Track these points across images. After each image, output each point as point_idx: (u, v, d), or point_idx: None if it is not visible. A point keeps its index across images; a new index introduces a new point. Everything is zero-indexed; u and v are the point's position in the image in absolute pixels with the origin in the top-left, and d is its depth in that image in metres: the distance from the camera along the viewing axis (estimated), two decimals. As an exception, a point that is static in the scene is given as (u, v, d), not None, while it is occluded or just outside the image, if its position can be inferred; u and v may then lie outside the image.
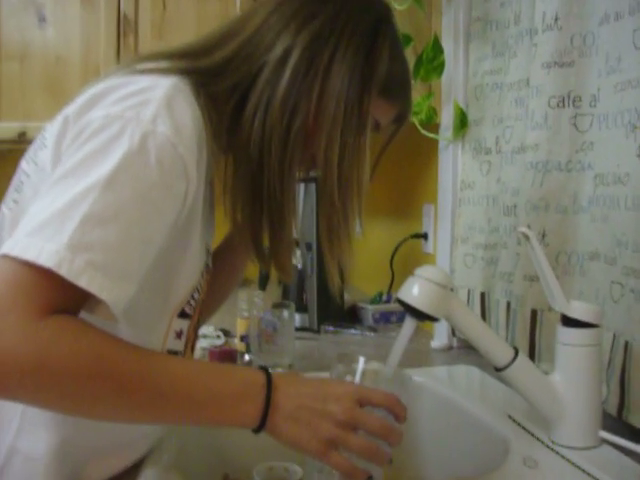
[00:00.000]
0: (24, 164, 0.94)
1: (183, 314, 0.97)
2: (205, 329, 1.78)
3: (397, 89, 1.05)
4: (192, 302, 0.98)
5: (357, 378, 0.92)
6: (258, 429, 0.82)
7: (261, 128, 0.93)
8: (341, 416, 0.82)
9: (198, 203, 0.90)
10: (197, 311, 1.01)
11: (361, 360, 0.93)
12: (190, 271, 0.95)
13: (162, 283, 0.91)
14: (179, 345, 0.99)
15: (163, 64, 0.92)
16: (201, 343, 1.70)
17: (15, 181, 0.94)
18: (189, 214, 0.88)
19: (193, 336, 1.05)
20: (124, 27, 1.99)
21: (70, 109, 0.87)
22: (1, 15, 2.05)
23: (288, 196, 0.96)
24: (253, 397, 0.81)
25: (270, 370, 0.85)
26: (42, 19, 2.03)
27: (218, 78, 0.94)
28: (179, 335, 0.99)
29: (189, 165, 0.82)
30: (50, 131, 0.89)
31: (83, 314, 0.78)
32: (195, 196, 0.87)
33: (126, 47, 1.93)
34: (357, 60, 0.95)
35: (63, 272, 0.71)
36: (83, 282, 0.72)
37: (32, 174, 0.90)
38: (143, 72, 0.89)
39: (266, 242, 1.02)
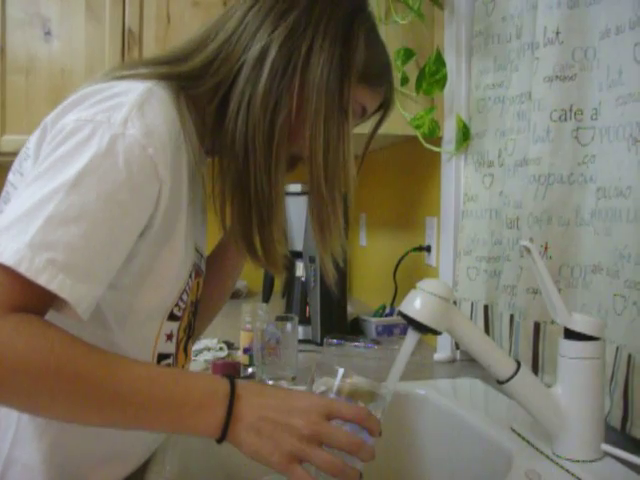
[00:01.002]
0: (10, 176, 0.95)
1: (172, 316, 0.98)
2: (208, 341, 1.79)
3: (377, 75, 1.06)
4: (181, 304, 0.99)
5: (333, 390, 0.88)
6: (220, 439, 0.80)
7: (244, 126, 0.94)
8: (305, 430, 0.79)
9: (179, 204, 0.90)
10: (186, 313, 1.02)
11: (339, 372, 0.90)
12: (176, 273, 0.95)
13: (149, 286, 0.91)
14: (170, 347, 1.00)
15: (142, 70, 0.93)
16: (204, 356, 1.70)
17: (3, 193, 0.96)
18: (168, 215, 0.88)
19: (185, 337, 1.05)
20: (129, 41, 2.00)
21: (49, 117, 0.89)
22: (7, 29, 2.06)
23: (276, 191, 0.97)
24: (214, 406, 0.79)
25: (240, 380, 0.83)
26: (48, 32, 2.04)
27: (199, 81, 0.95)
28: (169, 337, 0.99)
29: (160, 166, 0.83)
30: (31, 140, 0.91)
31: (54, 315, 0.77)
32: (173, 197, 0.87)
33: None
34: (334, 50, 0.96)
35: (22, 270, 0.71)
36: (42, 280, 0.72)
37: (18, 184, 0.92)
38: (122, 78, 0.91)
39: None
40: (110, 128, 0.80)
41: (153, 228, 0.86)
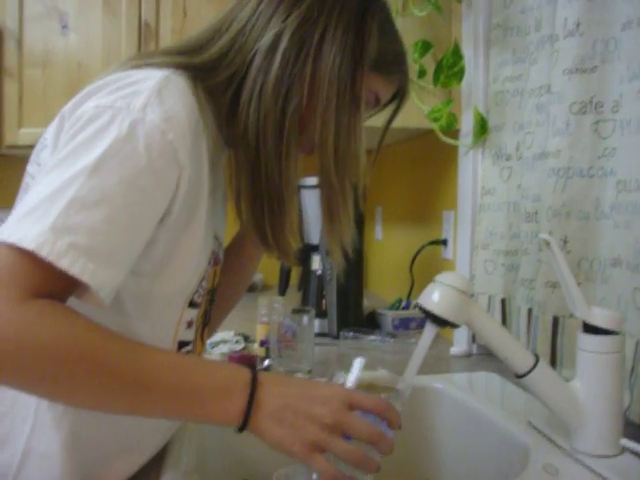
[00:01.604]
0: (29, 167, 0.96)
1: (192, 303, 0.98)
2: (225, 334, 1.79)
3: (390, 63, 1.05)
4: (200, 290, 0.99)
5: (351, 379, 0.88)
6: (241, 428, 0.79)
7: (256, 114, 0.94)
8: (328, 419, 0.79)
9: (199, 190, 0.90)
10: (204, 300, 1.02)
11: (357, 362, 0.89)
12: (197, 260, 0.95)
13: (169, 272, 0.91)
14: (190, 335, 1.01)
15: (158, 59, 0.94)
16: (221, 349, 1.70)
17: (22, 185, 0.96)
18: (188, 201, 0.88)
19: (202, 325, 1.06)
20: (145, 34, 2.01)
21: (66, 107, 0.89)
22: (24, 22, 2.07)
23: (287, 181, 0.96)
24: (236, 394, 0.79)
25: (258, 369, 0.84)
26: (65, 26, 2.05)
27: (214, 72, 0.96)
28: (190, 324, 1.00)
29: (180, 151, 0.82)
30: (49, 131, 0.92)
31: (74, 302, 0.77)
32: (192, 183, 0.87)
33: (147, 53, 1.94)
34: (347, 39, 0.96)
35: (44, 253, 0.71)
36: (64, 264, 0.72)
37: (36, 175, 0.92)
38: (138, 67, 0.91)
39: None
40: (130, 114, 0.80)
41: (172, 214, 0.86)
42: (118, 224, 0.77)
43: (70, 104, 0.89)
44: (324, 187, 1.00)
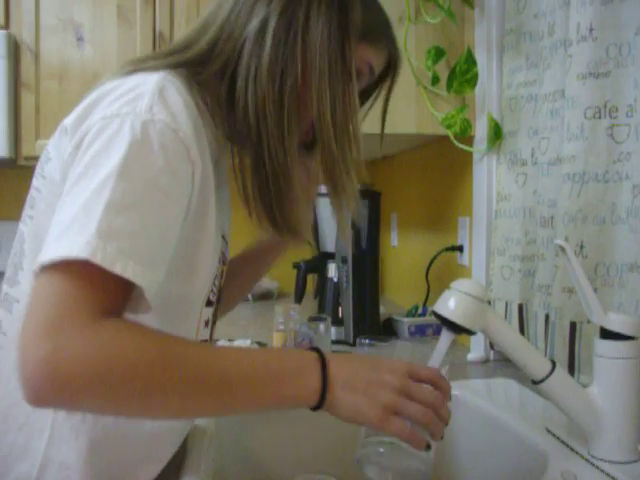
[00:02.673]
0: (34, 180, 0.96)
1: (209, 302, 1.00)
2: (241, 342, 1.79)
3: (377, 32, 1.06)
4: (214, 289, 1.01)
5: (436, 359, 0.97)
6: (317, 405, 0.83)
7: (254, 98, 0.95)
8: (397, 383, 0.85)
9: (208, 187, 0.91)
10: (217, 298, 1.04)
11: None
12: (211, 258, 0.96)
13: (188, 272, 0.92)
14: (207, 333, 1.02)
15: (151, 63, 0.95)
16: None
17: (28, 198, 0.97)
18: (201, 198, 0.89)
19: (213, 323, 1.07)
20: (159, 44, 2.03)
21: (67, 120, 0.90)
22: (41, 35, 2.09)
23: (291, 159, 0.97)
24: (309, 371, 0.83)
25: None
26: (80, 38, 2.07)
27: (207, 64, 0.97)
28: (207, 323, 1.02)
29: (191, 148, 0.84)
30: (51, 144, 0.93)
31: None
32: (203, 179, 0.88)
33: (162, 64, 1.96)
34: (331, 13, 0.97)
35: (98, 260, 0.71)
36: (118, 268, 0.72)
37: (42, 187, 0.93)
38: (133, 72, 0.92)
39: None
40: (138, 116, 0.80)
41: (190, 212, 0.87)
42: (150, 225, 0.78)
43: (72, 117, 0.89)
44: (325, 158, 1.00)
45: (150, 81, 0.86)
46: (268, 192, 0.99)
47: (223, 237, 1.05)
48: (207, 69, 0.97)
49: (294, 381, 0.82)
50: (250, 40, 0.96)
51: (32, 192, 0.96)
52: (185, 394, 0.76)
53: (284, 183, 0.98)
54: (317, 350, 0.86)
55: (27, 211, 0.96)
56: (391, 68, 1.12)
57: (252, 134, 0.96)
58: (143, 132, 0.80)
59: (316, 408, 0.84)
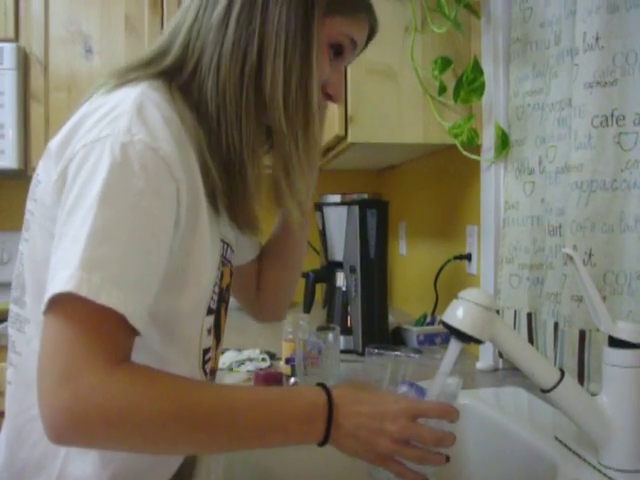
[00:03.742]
0: (27, 203, 0.97)
1: (209, 310, 1.00)
2: (250, 352, 1.80)
3: (351, 3, 1.03)
4: (214, 296, 1.01)
5: (433, 393, 0.97)
6: (322, 444, 0.87)
7: (215, 81, 0.95)
8: (397, 434, 0.87)
9: (197, 200, 0.91)
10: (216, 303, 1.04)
11: (441, 379, 0.98)
12: (209, 267, 0.97)
13: (185, 285, 0.93)
14: (210, 340, 1.03)
15: (132, 75, 0.95)
16: (247, 366, 1.71)
17: (24, 221, 0.98)
18: (191, 212, 0.89)
19: (215, 327, 1.07)
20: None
21: (53, 142, 0.91)
22: (50, 47, 2.11)
23: (247, 147, 0.97)
24: (316, 419, 0.86)
25: (335, 387, 0.90)
26: (89, 50, 2.08)
27: (183, 66, 0.97)
28: (209, 331, 1.02)
29: (173, 166, 0.84)
30: (41, 166, 0.94)
31: None
32: (190, 194, 0.88)
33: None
34: None
35: (84, 292, 0.73)
36: (103, 299, 0.74)
37: (34, 210, 0.94)
38: (114, 88, 0.92)
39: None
40: (117, 138, 0.81)
41: (180, 228, 0.88)
42: (134, 250, 0.79)
43: (57, 140, 0.90)
44: (277, 138, 1.00)
45: (128, 99, 0.86)
46: (226, 180, 0.98)
47: (223, 240, 1.05)
48: (184, 71, 0.97)
49: (299, 428, 0.86)
50: (214, 29, 0.96)
51: (26, 215, 0.97)
52: (195, 441, 0.80)
53: (239, 170, 0.97)
54: (327, 391, 0.88)
55: (23, 234, 0.97)
56: (370, 37, 1.10)
57: (212, 122, 0.96)
58: (122, 154, 0.80)
59: (321, 445, 0.88)
